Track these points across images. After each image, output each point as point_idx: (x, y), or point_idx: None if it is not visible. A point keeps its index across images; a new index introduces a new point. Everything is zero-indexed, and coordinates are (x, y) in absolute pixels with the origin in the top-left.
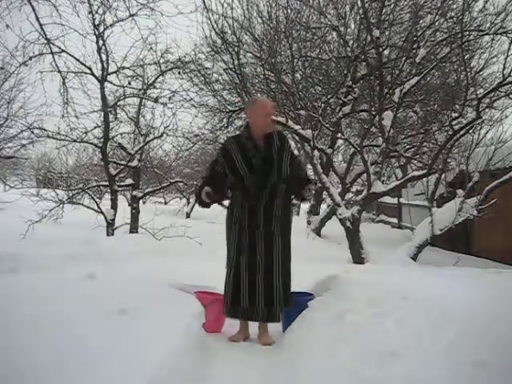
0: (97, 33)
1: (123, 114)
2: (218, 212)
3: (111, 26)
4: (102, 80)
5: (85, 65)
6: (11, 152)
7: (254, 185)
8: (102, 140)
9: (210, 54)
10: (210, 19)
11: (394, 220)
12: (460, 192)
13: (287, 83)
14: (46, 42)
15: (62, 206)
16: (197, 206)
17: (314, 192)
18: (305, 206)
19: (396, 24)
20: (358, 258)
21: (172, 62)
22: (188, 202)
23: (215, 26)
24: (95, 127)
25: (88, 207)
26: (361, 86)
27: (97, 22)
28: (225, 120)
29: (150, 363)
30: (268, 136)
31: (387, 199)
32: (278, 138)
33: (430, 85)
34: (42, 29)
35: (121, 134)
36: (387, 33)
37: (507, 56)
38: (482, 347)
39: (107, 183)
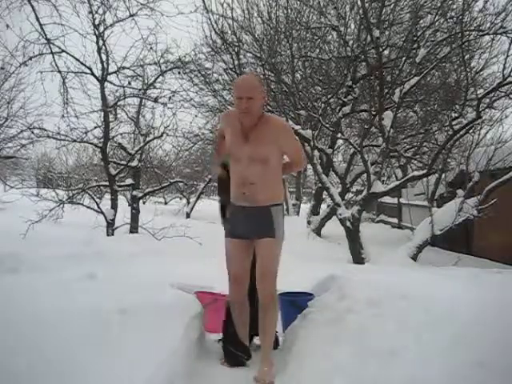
0: (97, 33)
1: (123, 114)
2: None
3: (111, 26)
4: (102, 80)
5: (85, 65)
6: (11, 152)
7: None
8: (102, 140)
9: (210, 54)
10: (210, 19)
11: (394, 220)
12: (460, 192)
13: (287, 83)
14: (46, 41)
15: (61, 205)
16: (197, 206)
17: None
18: (305, 206)
19: (396, 24)
20: (357, 258)
21: (172, 62)
22: (188, 202)
23: (215, 26)
24: (95, 127)
25: (88, 207)
26: (361, 86)
27: (97, 22)
28: None
29: (150, 363)
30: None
31: (387, 199)
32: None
33: (430, 85)
34: (42, 29)
35: (121, 134)
36: (387, 33)
37: (507, 56)
38: (481, 347)
39: (107, 183)
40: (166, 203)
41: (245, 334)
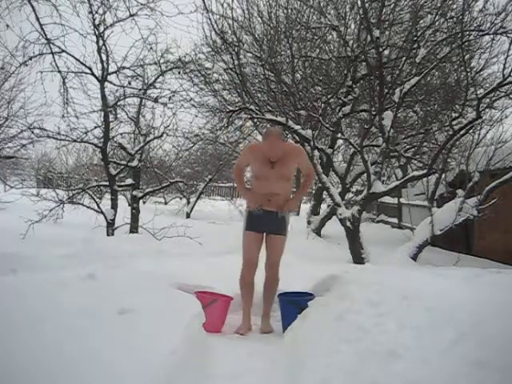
0: (97, 33)
1: (123, 114)
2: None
3: (111, 25)
4: (102, 80)
5: (85, 65)
6: (11, 152)
7: None
8: (102, 140)
9: (210, 54)
10: (210, 19)
11: (394, 220)
12: (460, 192)
13: (287, 83)
14: (46, 41)
15: (62, 205)
16: (197, 206)
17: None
18: (305, 206)
19: (396, 24)
20: (357, 258)
21: (172, 62)
22: (188, 202)
23: (215, 26)
24: (95, 127)
25: (88, 207)
26: (361, 86)
27: (97, 22)
28: (225, 120)
29: (150, 363)
30: None
31: (387, 199)
32: None
33: (429, 85)
34: (42, 29)
35: (121, 133)
36: (387, 33)
37: (507, 56)
38: (482, 347)
39: (107, 183)
40: (166, 203)
41: (248, 310)
